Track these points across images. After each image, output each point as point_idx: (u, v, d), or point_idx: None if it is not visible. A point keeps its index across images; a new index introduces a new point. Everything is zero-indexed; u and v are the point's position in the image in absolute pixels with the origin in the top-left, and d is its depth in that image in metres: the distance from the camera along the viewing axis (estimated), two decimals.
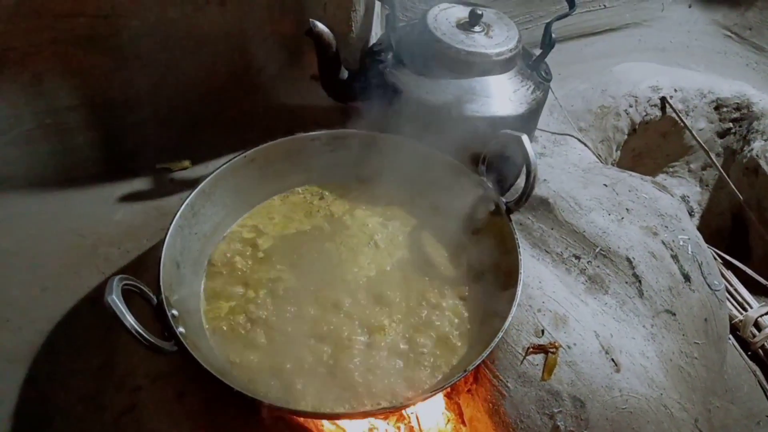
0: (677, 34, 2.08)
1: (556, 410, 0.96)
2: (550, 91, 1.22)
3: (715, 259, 1.51)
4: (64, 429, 0.95)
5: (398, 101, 1.09)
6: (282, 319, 0.94)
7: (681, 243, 1.22)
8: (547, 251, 1.19)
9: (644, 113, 1.74)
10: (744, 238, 1.83)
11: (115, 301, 0.70)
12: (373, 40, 1.36)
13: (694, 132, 1.78)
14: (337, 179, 1.14)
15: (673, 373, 1.11)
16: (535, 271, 1.11)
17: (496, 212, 1.02)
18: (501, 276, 0.97)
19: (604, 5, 1.94)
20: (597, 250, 1.17)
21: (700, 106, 1.81)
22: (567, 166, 1.40)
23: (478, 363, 0.83)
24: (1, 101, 1.11)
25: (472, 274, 1.03)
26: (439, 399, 1.05)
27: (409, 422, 1.02)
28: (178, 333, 0.78)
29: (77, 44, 1.10)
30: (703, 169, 1.89)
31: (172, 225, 0.91)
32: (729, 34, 2.14)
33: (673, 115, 1.76)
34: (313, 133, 1.09)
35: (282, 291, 0.97)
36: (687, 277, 1.19)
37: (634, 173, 1.37)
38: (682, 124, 1.77)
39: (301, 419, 0.92)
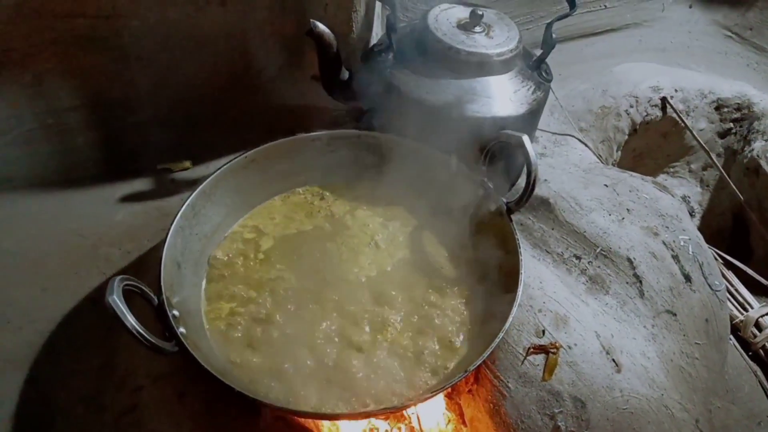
0: (678, 35, 2.08)
1: (556, 411, 0.96)
2: (550, 91, 1.22)
3: (716, 259, 1.50)
4: (64, 429, 0.95)
5: (399, 101, 1.09)
6: (283, 319, 0.94)
7: (682, 243, 1.22)
8: (547, 251, 1.19)
9: (645, 113, 1.74)
10: (745, 239, 1.83)
11: (116, 301, 0.70)
12: (373, 40, 1.36)
13: (694, 132, 1.78)
14: (338, 179, 1.14)
15: (674, 374, 1.10)
16: (536, 272, 1.11)
17: (496, 212, 1.02)
18: (502, 276, 0.97)
19: (605, 6, 1.94)
20: (598, 251, 1.17)
21: (700, 106, 1.81)
22: (568, 167, 1.40)
23: (478, 363, 0.83)
24: (1, 101, 1.11)
25: (473, 274, 1.03)
26: (440, 399, 1.05)
27: (410, 423, 1.02)
28: (179, 333, 0.78)
29: (78, 45, 1.10)
30: (704, 169, 1.89)
31: (173, 225, 0.91)
32: (730, 34, 2.14)
33: (674, 115, 1.76)
34: (314, 133, 1.09)
35: (283, 291, 0.97)
36: (688, 278, 1.19)
37: (634, 173, 1.37)
38: (682, 124, 1.77)
39: (302, 419, 0.92)
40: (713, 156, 1.82)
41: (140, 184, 1.28)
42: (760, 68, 2.06)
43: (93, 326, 1.04)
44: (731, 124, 1.85)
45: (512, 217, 0.99)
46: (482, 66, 1.09)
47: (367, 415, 0.88)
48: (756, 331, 1.48)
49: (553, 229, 1.21)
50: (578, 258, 1.17)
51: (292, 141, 1.08)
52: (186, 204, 0.94)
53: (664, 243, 1.21)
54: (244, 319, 0.93)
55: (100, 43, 1.11)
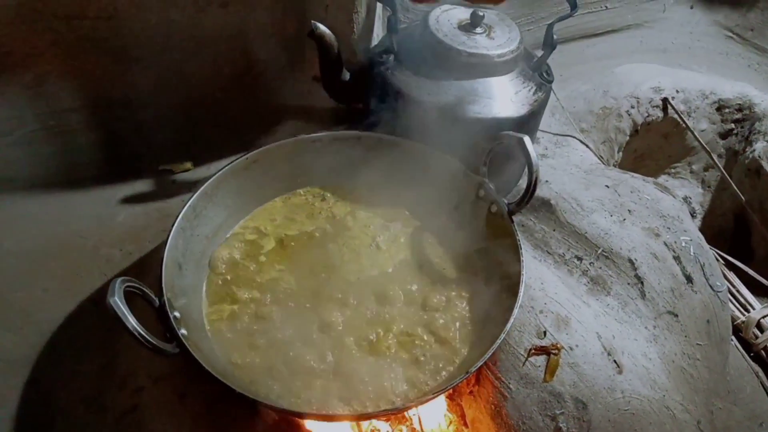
0: (679, 35, 2.08)
1: (558, 412, 0.96)
2: (551, 92, 1.22)
3: (718, 260, 1.50)
4: (65, 430, 0.95)
5: (400, 103, 1.09)
6: (284, 320, 0.93)
7: (683, 244, 1.22)
8: (549, 252, 1.19)
9: (646, 114, 1.74)
10: (746, 240, 1.83)
11: (118, 303, 0.70)
12: (374, 41, 1.36)
13: (696, 133, 1.78)
14: (339, 181, 1.14)
15: (675, 375, 1.10)
16: (537, 273, 1.11)
17: (497, 214, 1.01)
18: (503, 278, 0.97)
19: (606, 6, 1.94)
20: (599, 252, 1.17)
21: (701, 107, 1.81)
22: (569, 168, 1.40)
23: (480, 365, 0.83)
24: (3, 103, 1.11)
25: (474, 275, 1.03)
26: (441, 401, 1.05)
27: (411, 424, 1.02)
28: (180, 335, 0.78)
29: (79, 46, 1.10)
30: (705, 170, 1.89)
31: (174, 227, 0.91)
32: (731, 35, 2.14)
33: (675, 116, 1.76)
34: (315, 134, 1.09)
35: (284, 292, 0.97)
36: (689, 279, 1.19)
37: (635, 174, 1.37)
38: (683, 125, 1.77)
39: (303, 421, 0.92)
40: (714, 157, 1.82)
41: (141, 186, 1.28)
42: (762, 69, 2.06)
43: (94, 327, 1.04)
44: (732, 125, 1.85)
45: (513, 218, 0.99)
46: (483, 67, 1.08)
47: (368, 416, 0.88)
48: (757, 332, 1.48)
49: (554, 230, 1.21)
50: (579, 259, 1.17)
51: (293, 142, 1.08)
52: (187, 205, 0.94)
53: (665, 244, 1.20)
54: (245, 320, 0.93)
55: (101, 44, 1.12)
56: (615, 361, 1.02)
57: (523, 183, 1.26)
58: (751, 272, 1.62)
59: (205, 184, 0.98)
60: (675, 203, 1.29)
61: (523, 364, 0.98)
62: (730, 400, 1.33)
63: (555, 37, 1.13)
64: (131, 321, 0.70)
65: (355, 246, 1.06)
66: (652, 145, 1.82)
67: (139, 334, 0.71)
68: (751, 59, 2.08)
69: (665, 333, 1.13)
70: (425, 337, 0.94)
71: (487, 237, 1.04)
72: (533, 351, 0.99)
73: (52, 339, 1.03)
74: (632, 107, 1.71)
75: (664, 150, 1.86)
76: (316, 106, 1.35)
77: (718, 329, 1.20)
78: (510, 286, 0.93)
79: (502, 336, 0.84)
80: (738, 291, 1.55)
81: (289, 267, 1.02)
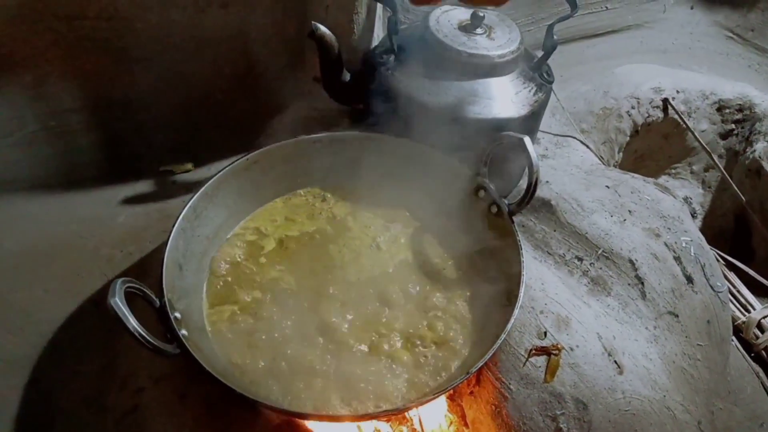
0: (679, 36, 2.08)
1: (558, 412, 0.95)
2: (552, 92, 1.22)
3: (718, 260, 1.50)
4: (66, 430, 0.95)
5: (400, 103, 1.09)
6: (284, 321, 0.93)
7: (683, 245, 1.22)
8: (549, 253, 1.19)
9: (646, 115, 1.74)
10: (747, 240, 1.83)
11: (118, 303, 0.70)
12: (375, 42, 1.36)
13: (696, 133, 1.78)
14: (339, 181, 1.14)
15: (675, 375, 1.10)
16: (538, 273, 1.11)
17: (498, 214, 1.01)
18: (503, 278, 0.97)
19: (606, 7, 1.94)
20: (599, 252, 1.17)
21: (702, 107, 1.81)
22: (569, 168, 1.40)
23: (480, 365, 0.83)
24: (3, 103, 1.11)
25: (475, 276, 1.03)
26: (442, 401, 1.05)
27: (412, 424, 1.02)
28: (180, 335, 0.78)
29: (79, 46, 1.10)
30: (706, 170, 1.89)
31: (175, 227, 0.91)
32: (731, 35, 2.14)
33: (675, 116, 1.76)
34: (315, 135, 1.09)
35: (284, 293, 0.97)
36: (690, 279, 1.19)
37: (636, 175, 1.37)
38: (684, 125, 1.77)
39: (303, 421, 0.92)
40: (715, 157, 1.82)
41: (142, 186, 1.28)
42: (762, 69, 2.06)
43: (95, 328, 1.04)
44: (733, 125, 1.85)
45: (514, 218, 0.99)
46: (484, 68, 1.09)
47: (368, 417, 0.88)
48: (758, 333, 1.47)
49: (554, 230, 1.21)
50: (580, 259, 1.17)
51: (294, 143, 1.08)
52: (188, 206, 0.94)
53: (665, 244, 1.20)
54: (246, 320, 0.93)
55: (101, 44, 1.12)
56: (615, 362, 1.02)
57: (523, 183, 1.26)
58: (751, 272, 1.62)
59: (206, 185, 0.98)
60: (675, 204, 1.29)
61: (524, 364, 0.98)
62: (730, 401, 1.33)
63: (555, 37, 1.13)
64: (132, 322, 0.70)
65: (355, 246, 1.06)
66: (652, 145, 1.82)
67: (140, 334, 0.71)
68: (752, 60, 2.08)
69: (666, 333, 1.13)
70: (425, 338, 0.94)
71: (487, 238, 1.04)
72: (534, 351, 0.99)
73: (53, 339, 1.03)
74: (632, 108, 1.71)
75: (664, 150, 1.86)
76: (316, 106, 1.35)
77: (718, 330, 1.20)
78: (510, 286, 0.93)
79: (503, 336, 0.84)
80: (738, 291, 1.55)
81: (290, 267, 1.01)
